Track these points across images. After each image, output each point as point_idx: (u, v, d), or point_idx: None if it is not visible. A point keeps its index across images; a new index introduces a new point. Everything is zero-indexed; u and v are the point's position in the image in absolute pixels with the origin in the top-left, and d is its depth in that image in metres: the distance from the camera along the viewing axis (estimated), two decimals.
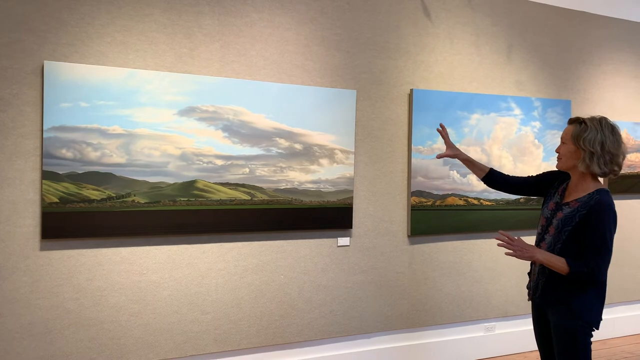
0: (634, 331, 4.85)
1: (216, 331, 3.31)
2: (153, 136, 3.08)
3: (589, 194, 2.48)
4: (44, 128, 2.85)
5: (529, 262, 2.72)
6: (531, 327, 2.82)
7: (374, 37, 3.72)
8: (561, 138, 2.59)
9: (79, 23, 2.95)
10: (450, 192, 3.96)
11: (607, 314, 4.67)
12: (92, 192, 2.97)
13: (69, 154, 2.91)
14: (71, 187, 2.92)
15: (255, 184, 3.34)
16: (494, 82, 4.16)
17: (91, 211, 2.96)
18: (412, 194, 3.82)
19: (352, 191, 3.61)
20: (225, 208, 3.26)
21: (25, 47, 2.84)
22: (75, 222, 2.93)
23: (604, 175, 2.48)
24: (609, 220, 2.40)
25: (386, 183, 3.78)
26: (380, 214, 3.77)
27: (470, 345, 4.10)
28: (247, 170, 3.32)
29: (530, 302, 2.73)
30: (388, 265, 3.79)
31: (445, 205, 3.94)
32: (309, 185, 3.48)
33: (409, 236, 3.86)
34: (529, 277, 2.72)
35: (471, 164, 2.99)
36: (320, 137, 3.50)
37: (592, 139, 2.43)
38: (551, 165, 4.20)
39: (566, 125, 2.61)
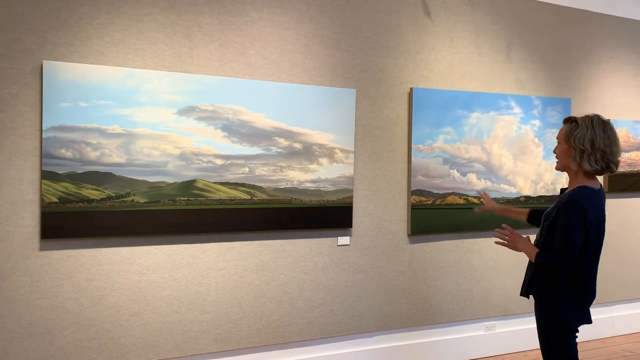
0: (633, 330, 4.85)
1: (216, 331, 3.31)
2: (152, 136, 3.08)
3: (570, 190, 2.54)
4: (44, 128, 2.84)
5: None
6: (531, 325, 2.85)
7: (373, 35, 3.71)
8: (556, 138, 2.63)
9: (78, 23, 2.94)
10: (450, 191, 3.95)
11: (606, 313, 4.69)
12: (91, 192, 2.96)
13: (68, 153, 2.90)
14: (71, 187, 2.92)
15: (255, 184, 3.34)
16: (494, 80, 4.15)
17: (91, 211, 2.96)
18: (412, 192, 3.81)
19: (352, 190, 3.61)
20: (225, 207, 3.26)
21: (25, 47, 2.84)
22: (74, 222, 2.92)
23: (597, 172, 2.50)
24: (572, 216, 2.42)
25: (386, 182, 3.78)
26: (380, 213, 3.76)
27: (470, 344, 4.10)
28: (246, 169, 3.31)
29: (529, 300, 2.75)
30: (388, 265, 3.79)
31: (446, 204, 3.94)
32: (309, 185, 3.48)
33: (409, 235, 3.86)
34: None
35: (512, 212, 3.00)
36: (319, 136, 3.49)
37: (582, 137, 2.46)
38: (551, 164, 4.20)
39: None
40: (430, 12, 3.89)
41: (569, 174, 2.60)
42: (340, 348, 3.67)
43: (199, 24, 3.21)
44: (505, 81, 4.20)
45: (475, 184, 4.02)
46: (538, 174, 4.27)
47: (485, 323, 4.18)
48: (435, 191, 3.89)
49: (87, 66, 2.92)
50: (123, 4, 3.03)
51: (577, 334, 2.58)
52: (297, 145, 3.44)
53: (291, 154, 3.42)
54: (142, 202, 3.06)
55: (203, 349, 3.27)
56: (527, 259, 2.77)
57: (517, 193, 4.18)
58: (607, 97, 4.68)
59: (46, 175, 2.86)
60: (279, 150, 3.39)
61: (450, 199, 3.95)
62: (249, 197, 3.32)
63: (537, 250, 2.54)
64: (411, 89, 3.80)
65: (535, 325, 2.68)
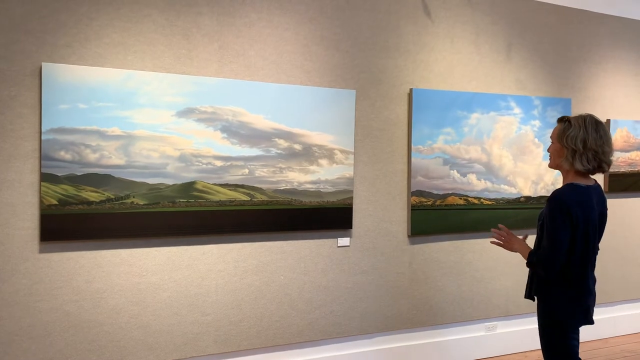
0: (634, 330, 4.84)
1: (216, 332, 3.30)
2: (152, 137, 3.07)
3: (557, 188, 2.58)
4: (43, 130, 2.84)
5: None
6: (533, 326, 2.86)
7: (373, 36, 3.71)
8: (550, 137, 2.66)
9: (77, 24, 2.94)
10: (450, 192, 3.95)
11: (608, 313, 4.68)
12: (91, 194, 2.96)
13: (67, 155, 2.90)
14: (70, 189, 2.91)
15: (255, 185, 3.33)
16: (494, 81, 4.14)
17: (90, 213, 2.95)
18: (412, 193, 3.81)
19: (352, 191, 3.60)
20: (225, 209, 3.25)
21: (23, 49, 2.83)
22: (74, 224, 2.92)
23: (589, 172, 2.52)
24: (554, 212, 2.44)
25: (386, 183, 3.77)
26: (381, 214, 3.76)
27: (471, 345, 4.09)
28: (246, 171, 3.31)
29: (531, 300, 2.75)
30: (388, 266, 3.79)
31: (446, 205, 3.93)
32: (309, 186, 3.48)
33: (409, 236, 3.85)
34: None
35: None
36: (319, 138, 3.49)
37: (574, 137, 2.48)
38: None
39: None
40: (430, 12, 3.89)
41: (562, 173, 2.63)
42: (340, 349, 3.66)
43: (198, 26, 3.21)
44: (505, 81, 4.19)
45: (475, 184, 4.01)
46: (538, 174, 4.26)
47: (486, 324, 4.17)
48: (435, 192, 3.89)
49: (86, 68, 2.91)
50: (122, 5, 3.03)
51: (577, 334, 2.57)
52: (297, 147, 3.43)
53: (291, 155, 3.42)
54: (142, 204, 3.06)
55: (203, 351, 3.27)
56: None
57: (518, 193, 4.17)
58: (608, 96, 4.68)
59: (45, 177, 2.86)
60: (279, 151, 3.39)
61: (450, 200, 3.95)
62: (249, 199, 3.32)
63: (530, 249, 2.58)
64: (411, 89, 3.80)
65: (536, 326, 2.67)
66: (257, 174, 3.33)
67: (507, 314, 4.22)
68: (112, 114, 2.98)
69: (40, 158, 2.85)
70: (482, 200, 4.04)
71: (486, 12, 4.10)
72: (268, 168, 3.36)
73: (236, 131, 3.27)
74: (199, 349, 3.25)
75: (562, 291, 2.50)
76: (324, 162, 3.51)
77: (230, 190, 3.27)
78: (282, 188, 3.40)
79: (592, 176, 2.60)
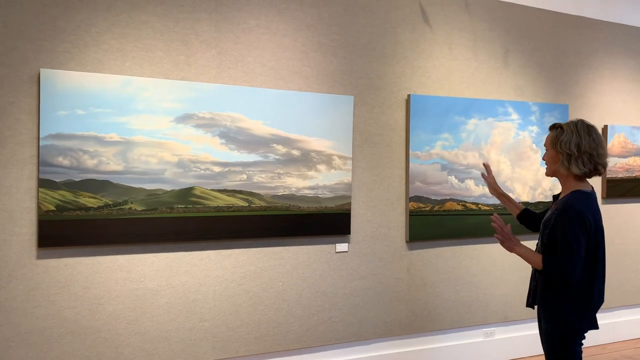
0: (633, 335, 4.83)
1: (214, 339, 3.29)
2: (150, 143, 3.08)
3: (565, 195, 2.55)
4: (41, 136, 2.84)
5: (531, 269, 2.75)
6: (531, 332, 2.84)
7: (371, 42, 3.72)
8: (544, 145, 2.66)
9: (76, 31, 2.94)
10: (448, 197, 3.95)
11: (607, 318, 4.67)
12: (88, 200, 2.96)
13: (65, 161, 2.90)
14: (68, 195, 2.91)
15: (253, 191, 3.33)
16: (492, 87, 4.16)
17: (88, 219, 2.95)
18: (410, 199, 3.81)
19: (350, 197, 3.60)
20: (223, 215, 3.25)
21: (22, 55, 2.84)
22: (72, 230, 2.92)
23: (585, 175, 2.53)
24: (570, 221, 2.42)
25: (384, 188, 3.78)
26: (379, 220, 3.76)
27: (469, 350, 4.08)
28: (244, 176, 3.31)
29: (531, 309, 2.74)
30: (387, 271, 3.78)
31: (444, 211, 3.94)
32: (307, 192, 3.48)
33: (407, 242, 3.85)
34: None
35: (507, 201, 2.96)
36: (317, 143, 3.49)
37: (567, 141, 2.49)
38: None
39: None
40: (428, 19, 3.90)
41: (559, 179, 2.62)
42: (338, 355, 3.65)
43: (197, 32, 3.22)
44: (502, 87, 4.20)
45: (473, 190, 4.02)
46: (536, 180, 4.27)
47: (485, 329, 4.17)
48: (433, 197, 3.89)
49: (85, 74, 2.92)
50: (120, 12, 3.04)
51: (583, 341, 2.57)
52: (295, 152, 3.44)
53: (289, 161, 3.42)
54: (140, 209, 3.06)
55: (201, 357, 3.25)
56: (527, 266, 2.76)
57: (516, 199, 4.16)
58: (605, 103, 4.69)
59: (43, 183, 2.85)
60: (277, 157, 3.39)
61: (448, 205, 3.95)
62: (247, 204, 3.32)
63: (539, 255, 2.51)
64: (409, 95, 3.81)
65: (535, 332, 2.67)
66: (255, 180, 3.34)
67: (505, 320, 4.21)
68: (110, 119, 2.98)
69: (38, 164, 2.85)
70: (480, 205, 4.05)
71: (483, 19, 4.12)
72: (266, 174, 3.37)
73: (234, 137, 3.27)
74: (197, 355, 3.24)
75: (573, 298, 2.48)
76: (322, 167, 3.52)
77: (228, 196, 3.27)
78: (280, 194, 3.40)
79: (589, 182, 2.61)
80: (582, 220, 2.42)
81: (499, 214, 2.61)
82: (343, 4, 3.63)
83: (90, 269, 3.00)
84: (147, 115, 3.06)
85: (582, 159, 2.48)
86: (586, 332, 2.55)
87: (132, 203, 3.04)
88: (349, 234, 3.64)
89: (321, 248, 3.58)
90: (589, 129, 2.52)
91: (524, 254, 2.54)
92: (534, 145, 4.25)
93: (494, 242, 2.62)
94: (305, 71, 3.52)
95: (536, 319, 2.72)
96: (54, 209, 2.88)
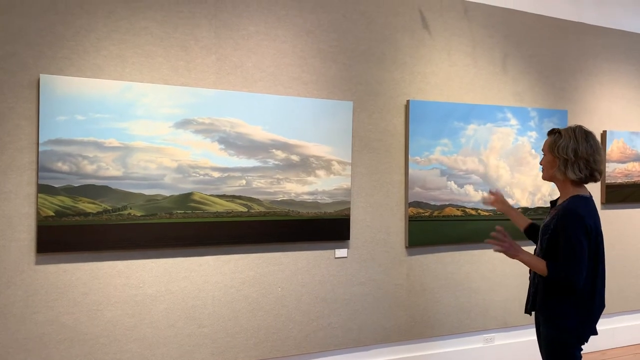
0: (633, 341, 4.82)
1: (213, 344, 3.28)
2: (149, 149, 3.08)
3: (565, 201, 2.55)
4: (40, 141, 2.84)
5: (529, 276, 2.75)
6: (531, 337, 2.83)
7: (370, 48, 3.73)
8: (542, 150, 2.69)
9: (75, 36, 2.95)
10: (447, 203, 3.95)
11: (607, 324, 4.66)
12: (88, 206, 2.95)
13: (65, 167, 2.90)
14: (67, 201, 2.91)
15: (252, 196, 3.33)
16: (491, 92, 4.17)
17: (87, 224, 2.95)
18: (410, 204, 3.81)
19: (349, 202, 3.60)
20: (222, 220, 3.25)
21: (21, 61, 2.84)
22: (71, 235, 2.91)
23: (582, 180, 2.54)
24: (572, 226, 2.43)
25: (383, 194, 3.78)
26: (378, 225, 3.76)
27: (469, 357, 4.07)
28: (243, 182, 3.31)
29: (529, 315, 2.74)
30: (386, 277, 3.78)
31: (443, 216, 3.93)
32: (306, 197, 3.48)
33: (406, 247, 3.85)
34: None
35: (517, 215, 2.95)
36: (316, 149, 3.50)
37: (565, 146, 2.51)
38: None
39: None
40: (427, 25, 3.91)
41: (557, 185, 2.64)
42: None
43: (196, 38, 3.23)
44: (501, 93, 4.21)
45: (472, 195, 4.02)
46: (535, 185, 4.27)
47: (484, 335, 4.16)
48: (432, 203, 3.89)
49: (84, 80, 2.92)
50: (120, 18, 3.05)
51: (582, 347, 2.57)
52: (294, 158, 3.44)
53: (288, 166, 3.42)
54: (139, 215, 3.06)
55: None
56: (526, 271, 2.76)
57: (515, 204, 4.18)
58: (604, 108, 4.70)
59: (42, 188, 2.85)
60: (276, 162, 3.39)
61: (447, 211, 3.95)
62: (246, 210, 3.31)
63: (543, 261, 2.50)
64: (408, 101, 3.81)
65: (534, 338, 2.66)
66: (254, 185, 3.34)
67: (505, 326, 4.20)
68: (110, 125, 2.98)
69: (38, 169, 2.85)
70: (479, 211, 4.04)
71: (482, 25, 4.13)
72: (265, 179, 3.37)
73: (233, 142, 3.28)
74: None
75: (574, 304, 2.48)
76: (321, 173, 3.52)
77: (227, 201, 3.27)
78: (279, 199, 3.40)
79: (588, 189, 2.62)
80: (583, 225, 2.43)
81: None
82: (342, 10, 3.64)
83: (89, 275, 2.99)
84: (146, 121, 3.06)
85: (578, 164, 2.50)
86: (587, 338, 2.54)
87: (131, 208, 3.04)
88: (348, 239, 3.63)
89: (320, 254, 3.58)
90: (587, 135, 2.54)
91: (528, 260, 2.53)
92: (533, 151, 4.26)
93: (492, 234, 2.62)
94: (305, 77, 3.53)
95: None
96: (53, 214, 2.88)
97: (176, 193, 3.15)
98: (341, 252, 3.63)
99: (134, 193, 3.05)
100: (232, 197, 3.28)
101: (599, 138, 2.74)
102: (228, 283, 3.32)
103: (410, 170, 3.81)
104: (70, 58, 2.94)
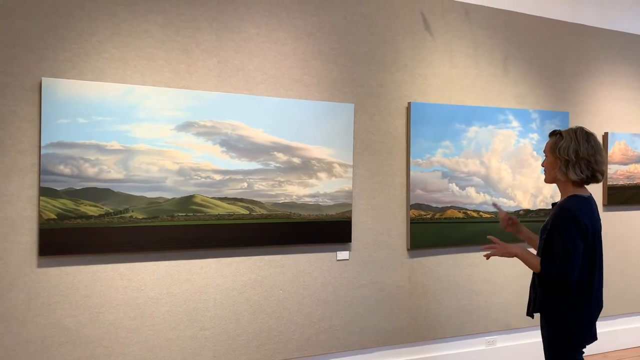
0: (635, 343, 4.81)
1: (215, 347, 3.28)
2: (151, 151, 3.08)
3: (562, 200, 2.57)
4: (42, 144, 2.84)
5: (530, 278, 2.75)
6: (533, 340, 2.83)
7: (371, 50, 3.73)
8: (543, 151, 2.69)
9: (77, 40, 2.96)
10: (449, 205, 3.95)
11: (608, 326, 4.65)
12: (90, 208, 2.96)
13: (66, 170, 2.90)
14: (69, 204, 2.91)
15: (254, 199, 3.33)
16: (492, 94, 4.17)
17: (89, 227, 2.95)
18: (411, 207, 3.81)
19: (350, 205, 3.60)
20: (224, 223, 3.25)
21: (23, 64, 2.85)
22: (72, 238, 2.91)
23: (583, 181, 2.55)
24: (566, 224, 2.44)
25: (385, 196, 3.77)
26: (380, 228, 3.75)
27: (471, 359, 4.06)
28: (245, 184, 3.31)
29: (531, 318, 2.74)
30: (388, 279, 3.78)
31: (445, 218, 3.93)
32: (308, 199, 3.48)
33: (408, 249, 3.84)
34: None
35: (531, 240, 2.92)
36: (318, 151, 3.50)
37: (566, 147, 2.52)
38: None
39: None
40: (428, 27, 3.92)
41: (558, 186, 2.64)
42: None
43: (198, 41, 3.23)
44: (503, 95, 4.21)
45: (474, 197, 4.02)
46: (537, 187, 4.27)
47: (486, 338, 4.15)
48: (434, 205, 3.89)
49: (86, 83, 2.93)
50: (121, 20, 3.05)
51: (584, 349, 2.56)
52: (296, 160, 3.44)
53: (290, 169, 3.42)
54: (141, 218, 3.06)
55: None
56: (528, 274, 2.76)
57: (517, 206, 4.18)
58: (605, 110, 4.70)
59: (44, 191, 2.85)
60: (278, 165, 3.39)
61: (449, 213, 3.95)
62: (248, 212, 3.31)
63: (538, 257, 2.52)
64: (409, 103, 3.81)
65: (537, 340, 2.66)
66: (256, 188, 3.34)
67: (507, 328, 4.19)
68: (112, 128, 2.98)
69: (40, 172, 2.85)
70: (481, 213, 4.04)
71: (483, 27, 4.13)
72: (267, 182, 3.37)
73: (235, 145, 3.28)
74: None
75: (573, 305, 2.48)
76: (322, 175, 3.52)
77: (229, 204, 3.27)
78: (281, 201, 3.40)
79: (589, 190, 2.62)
80: (577, 223, 2.43)
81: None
82: (343, 13, 3.65)
83: (90, 278, 2.99)
84: (148, 124, 3.06)
85: (579, 165, 2.50)
86: (587, 342, 2.54)
87: (133, 211, 3.04)
88: (350, 241, 3.63)
89: (322, 256, 3.58)
90: (588, 136, 2.54)
91: (523, 254, 2.55)
92: (534, 153, 4.26)
93: (485, 246, 2.64)
94: (306, 79, 3.53)
95: (538, 327, 2.71)
96: (55, 217, 2.88)
97: (178, 196, 3.15)
98: (343, 255, 3.63)
99: (136, 196, 3.05)
100: (233, 200, 3.28)
101: (600, 140, 2.74)
102: (230, 285, 3.32)
103: (411, 173, 3.81)
104: (72, 61, 2.94)
